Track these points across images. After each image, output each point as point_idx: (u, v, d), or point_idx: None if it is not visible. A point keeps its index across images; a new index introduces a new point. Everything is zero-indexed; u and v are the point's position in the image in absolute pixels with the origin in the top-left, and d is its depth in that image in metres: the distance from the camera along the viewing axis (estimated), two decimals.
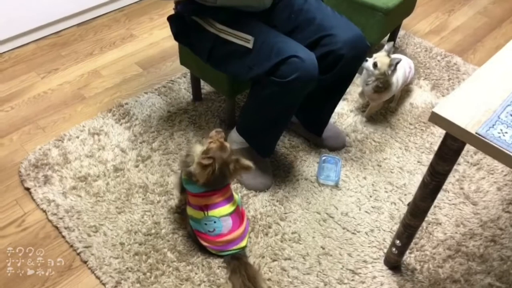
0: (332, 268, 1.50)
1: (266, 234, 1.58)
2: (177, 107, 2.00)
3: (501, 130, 0.99)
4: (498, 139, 0.97)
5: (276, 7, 1.59)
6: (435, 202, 1.72)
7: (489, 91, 1.08)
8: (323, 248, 1.55)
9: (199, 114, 1.97)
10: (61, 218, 1.59)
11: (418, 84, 2.21)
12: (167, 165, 1.77)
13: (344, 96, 2.10)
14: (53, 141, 1.84)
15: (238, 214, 1.49)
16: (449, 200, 1.73)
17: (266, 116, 1.56)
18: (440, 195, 1.74)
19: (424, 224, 1.64)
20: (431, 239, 1.60)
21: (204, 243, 1.49)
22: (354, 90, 2.12)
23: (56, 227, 1.57)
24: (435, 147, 1.89)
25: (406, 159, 1.87)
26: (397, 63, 1.83)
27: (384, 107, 2.06)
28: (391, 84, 1.88)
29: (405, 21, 2.49)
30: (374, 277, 1.49)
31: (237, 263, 1.46)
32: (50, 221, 1.59)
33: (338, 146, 1.87)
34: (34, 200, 1.65)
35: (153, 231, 1.57)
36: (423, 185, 1.23)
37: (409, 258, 1.55)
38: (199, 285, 1.44)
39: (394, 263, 1.51)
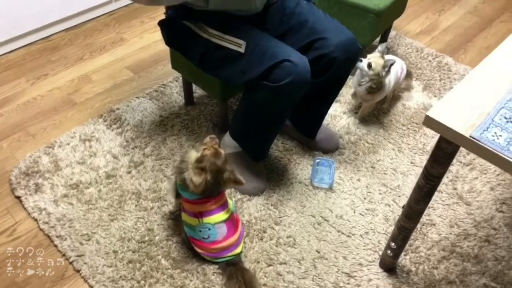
0: (327, 271, 1.50)
1: (261, 239, 1.57)
2: (169, 112, 1.99)
3: (495, 133, 0.99)
4: (493, 142, 0.97)
5: (268, 10, 1.58)
6: (429, 203, 1.72)
7: (483, 94, 1.08)
8: (318, 252, 1.55)
9: (192, 118, 1.96)
10: (52, 227, 1.57)
11: (409, 84, 2.20)
12: (160, 171, 1.75)
13: (337, 98, 2.09)
14: (43, 148, 1.81)
15: (232, 221, 1.48)
16: (443, 201, 1.73)
17: (259, 120, 1.55)
18: (433, 196, 1.74)
19: (418, 225, 1.63)
20: (425, 241, 1.60)
21: (199, 250, 1.47)
22: (347, 91, 2.12)
23: (48, 236, 1.55)
24: (428, 148, 1.90)
25: (400, 160, 1.87)
26: (391, 64, 1.83)
27: (377, 108, 2.06)
28: (384, 85, 1.88)
29: (396, 22, 2.49)
30: (370, 280, 1.48)
31: (233, 268, 1.45)
32: (41, 229, 1.57)
33: (331, 148, 1.87)
34: (25, 208, 1.62)
35: (146, 238, 1.55)
36: (418, 188, 1.23)
37: (404, 260, 1.55)
38: None
39: (389, 266, 1.51)
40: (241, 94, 1.60)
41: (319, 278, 1.48)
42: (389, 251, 1.45)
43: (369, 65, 1.82)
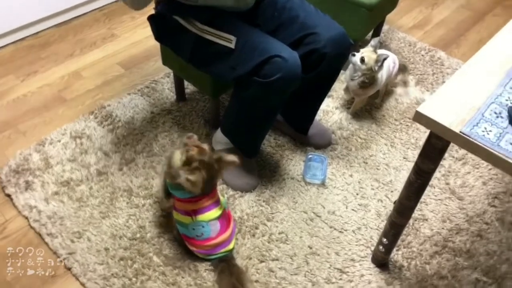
0: (319, 267, 1.50)
1: (253, 235, 1.57)
2: (161, 108, 1.97)
3: (485, 128, 0.98)
4: (483, 137, 0.96)
5: (260, 6, 1.56)
6: (421, 198, 1.72)
7: (473, 89, 1.07)
8: (311, 248, 1.55)
9: (183, 115, 1.95)
10: (43, 225, 1.55)
11: (403, 79, 2.20)
12: (151, 168, 1.74)
13: (329, 93, 2.08)
14: (34, 146, 1.80)
15: (225, 217, 1.47)
16: (435, 196, 1.73)
17: (250, 116, 1.54)
18: (426, 191, 1.73)
19: (410, 220, 1.63)
20: (418, 236, 1.60)
21: (192, 248, 1.46)
22: (339, 86, 2.11)
23: (39, 234, 1.54)
24: (421, 143, 1.90)
25: (392, 155, 1.86)
26: (384, 59, 1.82)
27: (369, 103, 2.05)
28: (376, 79, 1.88)
29: (389, 16, 2.48)
30: (362, 276, 1.48)
31: (225, 264, 1.45)
32: (32, 227, 1.55)
33: (324, 144, 1.86)
34: (15, 206, 1.61)
35: (138, 235, 1.54)
36: (409, 183, 1.23)
37: (397, 255, 1.55)
38: None
39: (381, 261, 1.51)
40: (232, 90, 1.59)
41: (311, 274, 1.48)
42: (381, 247, 1.45)
43: (362, 60, 1.82)
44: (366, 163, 1.83)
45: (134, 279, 1.43)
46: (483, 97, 1.05)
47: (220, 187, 1.69)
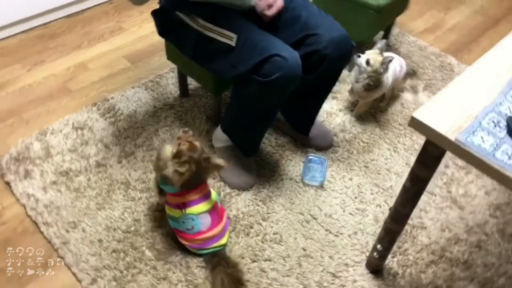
0: (312, 270, 1.48)
1: (247, 234, 1.56)
2: (164, 103, 1.97)
3: (482, 137, 0.96)
4: (478, 147, 0.94)
5: None
6: (421, 206, 1.70)
7: (472, 96, 1.05)
8: (304, 250, 1.53)
9: (186, 110, 1.94)
10: (40, 213, 1.56)
11: (410, 83, 2.17)
12: (150, 162, 1.74)
13: (334, 95, 2.07)
14: (36, 135, 1.81)
15: (216, 211, 1.46)
16: (436, 204, 1.70)
17: (249, 115, 1.53)
18: (426, 198, 1.72)
19: (408, 227, 1.61)
20: (415, 243, 1.58)
21: (184, 242, 1.46)
22: (345, 88, 2.09)
23: (35, 222, 1.55)
24: None
25: (394, 160, 1.84)
26: (390, 61, 1.80)
27: (374, 106, 2.03)
28: (381, 82, 1.85)
29: (400, 19, 2.45)
30: (355, 281, 1.46)
31: (217, 259, 1.44)
32: (29, 215, 1.56)
33: (325, 145, 1.84)
34: (13, 194, 1.62)
35: (132, 228, 1.54)
36: (404, 190, 1.21)
37: (392, 262, 1.52)
38: (176, 284, 1.42)
39: (375, 267, 1.49)
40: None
41: (303, 276, 1.46)
42: (375, 253, 1.43)
43: (367, 62, 1.79)
44: (367, 167, 1.80)
45: (125, 271, 1.43)
46: (482, 105, 1.02)
47: (217, 184, 1.68)
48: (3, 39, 2.26)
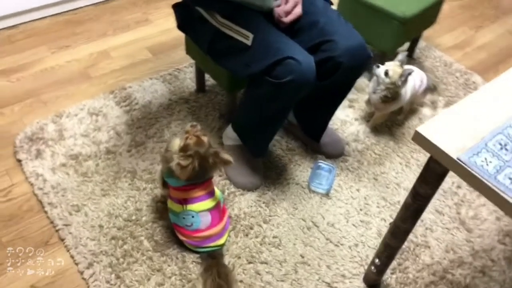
0: (308, 278, 1.46)
1: (246, 235, 1.55)
2: (179, 96, 1.98)
3: (486, 159, 0.92)
4: (481, 168, 0.91)
5: None
6: (427, 224, 1.65)
7: (483, 115, 1.01)
8: (302, 257, 1.51)
9: (200, 106, 1.95)
10: (46, 193, 1.60)
11: (431, 99, 2.12)
12: (159, 153, 1.75)
13: (351, 103, 2.04)
14: (51, 117, 1.85)
15: (218, 211, 1.46)
16: (443, 224, 1.65)
17: (259, 115, 1.52)
18: (433, 217, 1.67)
19: (411, 245, 1.57)
20: (416, 262, 1.54)
21: (182, 238, 1.46)
22: (362, 98, 2.06)
23: (40, 202, 1.58)
24: None
25: (405, 175, 1.80)
26: (409, 74, 1.76)
27: (391, 119, 1.99)
28: (399, 95, 1.82)
29: (428, 33, 2.40)
30: None
31: (212, 261, 1.43)
32: (35, 194, 1.60)
33: (335, 153, 1.82)
34: (23, 172, 1.66)
35: (133, 217, 1.56)
36: (405, 206, 1.18)
37: (390, 278, 1.49)
38: (170, 277, 1.42)
39: (373, 282, 1.46)
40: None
41: (298, 283, 1.44)
42: (373, 267, 1.40)
43: (386, 73, 1.76)
44: (376, 179, 1.77)
45: (121, 259, 1.45)
46: (491, 126, 0.99)
47: (223, 182, 1.68)
48: (34, 20, 2.32)
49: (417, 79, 1.89)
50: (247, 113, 1.58)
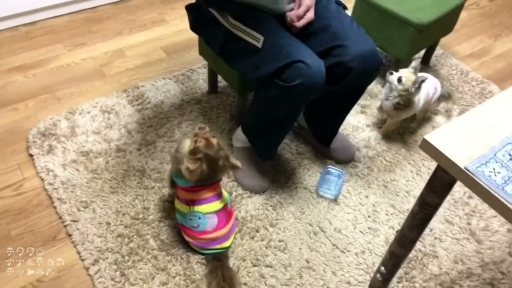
0: (312, 283, 1.45)
1: (252, 238, 1.54)
2: (191, 97, 1.99)
3: (494, 169, 0.90)
4: (488, 178, 0.89)
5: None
6: (437, 234, 1.63)
7: (493, 125, 0.99)
8: (308, 262, 1.50)
9: (211, 107, 1.96)
10: (56, 189, 1.61)
11: (445, 107, 2.09)
12: (168, 153, 1.76)
13: (363, 109, 2.02)
14: (65, 113, 1.87)
15: (225, 213, 1.46)
16: (453, 234, 1.63)
17: (268, 118, 1.52)
18: (443, 227, 1.65)
19: (419, 254, 1.55)
20: (424, 271, 1.51)
21: (187, 238, 1.47)
22: (375, 104, 2.04)
23: (50, 197, 1.60)
24: None
25: (416, 183, 1.77)
26: (422, 81, 1.74)
27: (403, 126, 1.97)
28: (412, 102, 1.79)
29: (445, 40, 2.37)
30: None
31: (217, 263, 1.43)
32: (45, 189, 1.62)
33: (345, 159, 1.80)
34: (35, 167, 1.68)
35: (141, 216, 1.56)
36: (412, 215, 1.16)
37: (396, 287, 1.47)
38: (174, 277, 1.42)
39: None
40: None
41: None
42: (378, 275, 1.38)
43: (399, 80, 1.74)
44: (386, 186, 1.75)
45: (127, 257, 1.46)
46: (501, 136, 0.97)
47: (230, 184, 1.68)
48: (52, 17, 2.36)
49: (431, 87, 1.86)
50: (256, 116, 1.58)
